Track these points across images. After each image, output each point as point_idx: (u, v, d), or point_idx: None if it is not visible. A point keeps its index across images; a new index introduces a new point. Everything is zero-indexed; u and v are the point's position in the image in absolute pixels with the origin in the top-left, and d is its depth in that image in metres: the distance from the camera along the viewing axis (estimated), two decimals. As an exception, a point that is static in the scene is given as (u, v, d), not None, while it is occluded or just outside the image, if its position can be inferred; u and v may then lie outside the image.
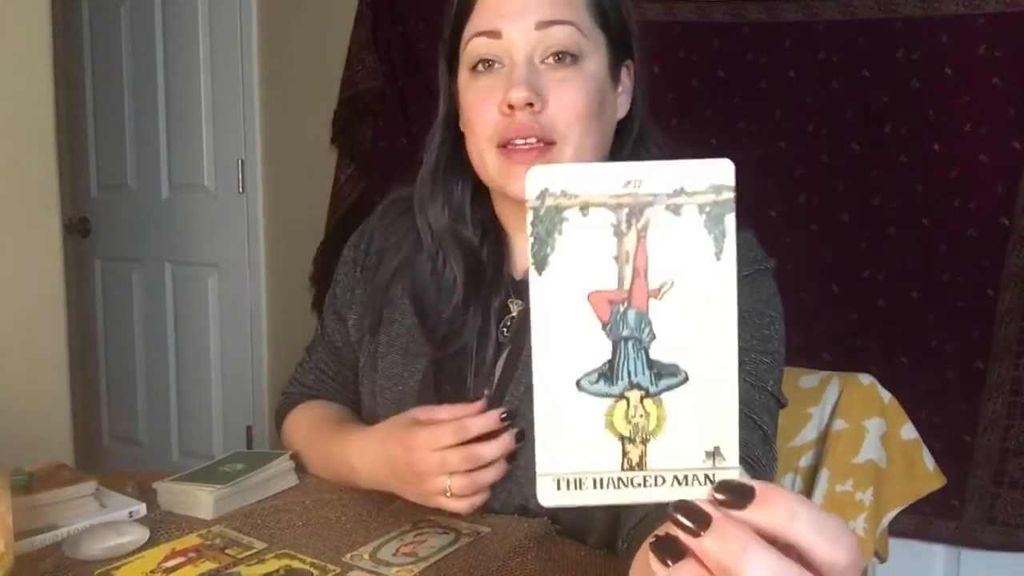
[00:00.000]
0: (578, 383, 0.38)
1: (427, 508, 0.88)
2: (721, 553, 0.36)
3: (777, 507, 0.36)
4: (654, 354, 0.38)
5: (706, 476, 0.38)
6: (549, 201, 0.37)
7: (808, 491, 1.20)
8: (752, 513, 0.36)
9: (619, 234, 0.37)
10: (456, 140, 0.93)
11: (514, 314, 0.92)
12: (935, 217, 1.81)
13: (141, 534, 0.81)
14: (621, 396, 0.38)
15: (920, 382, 1.79)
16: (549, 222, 0.37)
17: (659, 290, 0.38)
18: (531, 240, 0.37)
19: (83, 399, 2.94)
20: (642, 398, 0.38)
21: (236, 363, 2.92)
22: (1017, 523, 1.75)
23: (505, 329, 0.92)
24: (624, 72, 0.91)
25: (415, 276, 0.95)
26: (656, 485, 0.38)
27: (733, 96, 1.99)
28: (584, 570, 0.76)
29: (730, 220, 0.37)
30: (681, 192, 0.37)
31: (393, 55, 2.41)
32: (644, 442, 0.38)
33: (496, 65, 0.85)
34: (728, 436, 0.38)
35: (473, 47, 0.86)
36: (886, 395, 1.20)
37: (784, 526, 0.36)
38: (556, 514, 0.84)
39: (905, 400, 1.22)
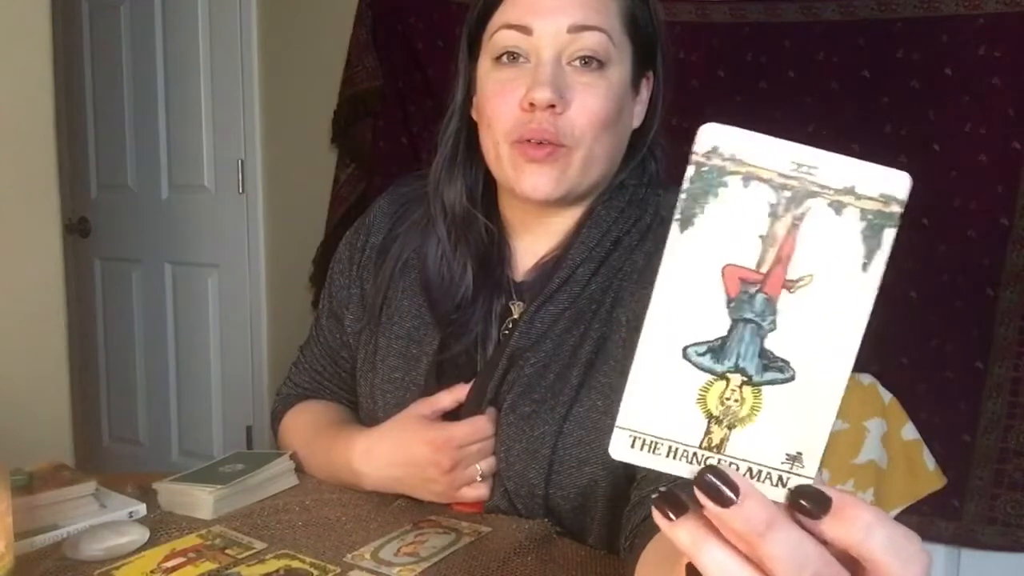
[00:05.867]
0: (684, 351, 0.37)
1: (427, 508, 0.88)
2: (746, 525, 0.34)
3: (854, 521, 0.35)
4: (769, 344, 0.36)
5: (779, 478, 0.37)
6: (715, 160, 0.36)
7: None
8: (828, 524, 0.36)
9: (774, 215, 0.36)
10: (472, 127, 0.92)
11: (516, 316, 0.91)
12: (935, 217, 1.81)
13: (141, 534, 0.81)
14: (723, 376, 0.37)
15: (920, 382, 1.79)
16: (708, 182, 0.36)
17: (796, 282, 0.36)
18: (683, 195, 0.36)
19: (83, 399, 2.94)
20: (742, 383, 0.37)
21: (236, 363, 2.91)
22: (1017, 523, 1.75)
23: (507, 331, 0.91)
24: (643, 82, 0.90)
25: (426, 261, 0.94)
26: None
27: (733, 96, 1.99)
28: (584, 570, 0.76)
29: (889, 234, 0.35)
30: (850, 191, 0.35)
31: (393, 55, 2.40)
32: (730, 427, 0.37)
33: (521, 59, 0.84)
34: (815, 445, 0.37)
35: (500, 38, 0.85)
36: (887, 395, 1.20)
37: (858, 541, 0.35)
38: (556, 515, 0.85)
39: (905, 400, 1.22)
